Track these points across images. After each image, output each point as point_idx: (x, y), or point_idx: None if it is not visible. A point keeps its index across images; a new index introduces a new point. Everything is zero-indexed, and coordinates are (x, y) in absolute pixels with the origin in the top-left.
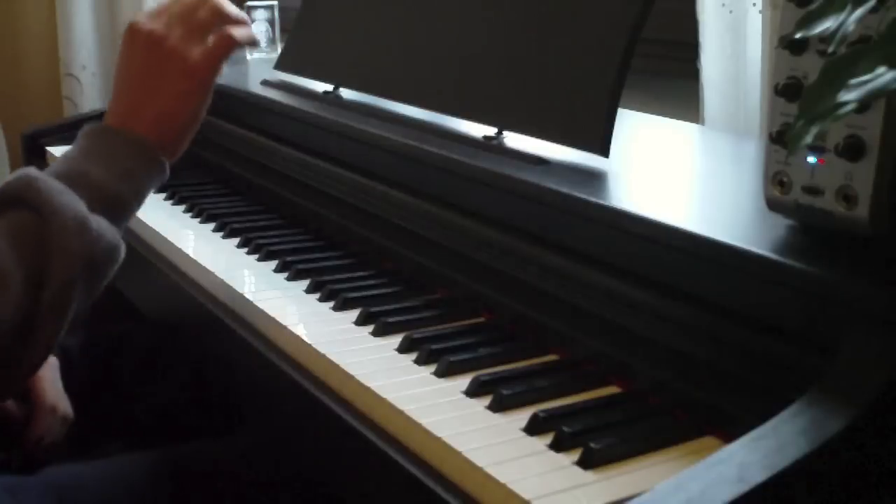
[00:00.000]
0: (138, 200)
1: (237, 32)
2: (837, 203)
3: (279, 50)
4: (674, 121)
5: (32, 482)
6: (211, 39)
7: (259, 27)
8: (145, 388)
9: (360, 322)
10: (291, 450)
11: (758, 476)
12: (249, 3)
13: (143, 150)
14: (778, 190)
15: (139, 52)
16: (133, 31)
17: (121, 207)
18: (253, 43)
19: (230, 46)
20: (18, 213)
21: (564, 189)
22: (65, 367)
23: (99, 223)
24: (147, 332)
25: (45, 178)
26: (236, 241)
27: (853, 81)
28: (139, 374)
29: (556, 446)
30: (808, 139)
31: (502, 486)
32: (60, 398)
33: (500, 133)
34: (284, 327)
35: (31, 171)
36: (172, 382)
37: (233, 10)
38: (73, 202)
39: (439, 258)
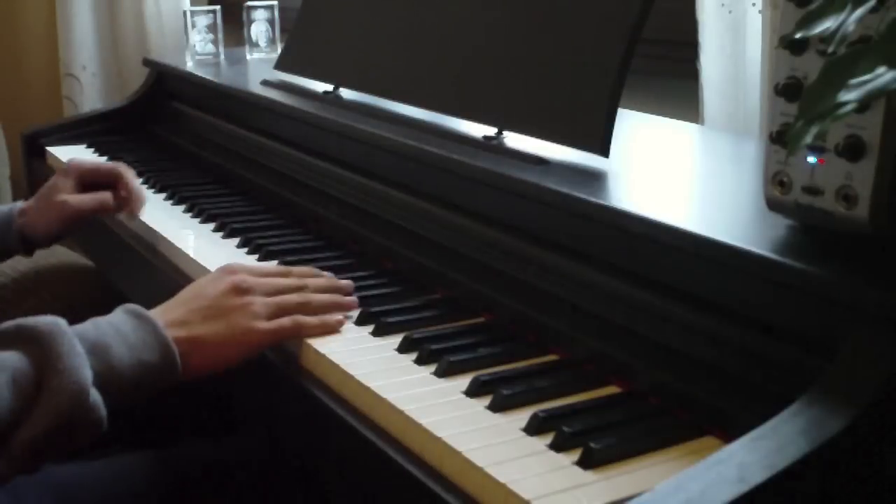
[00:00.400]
0: (135, 395)
1: (310, 323)
2: (837, 203)
3: (279, 50)
4: (674, 121)
5: (32, 482)
6: (284, 320)
7: (259, 27)
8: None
9: (361, 322)
10: (290, 450)
11: (758, 476)
12: (249, 3)
13: (167, 354)
14: (778, 190)
15: (220, 286)
16: (228, 270)
17: (118, 392)
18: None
19: (295, 336)
20: (30, 353)
21: (564, 189)
22: None
23: (95, 398)
24: None
25: (68, 334)
26: (236, 241)
27: (853, 81)
28: None
29: (556, 446)
30: (808, 139)
31: (502, 486)
32: None
33: (500, 133)
34: None
35: (61, 322)
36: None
37: (319, 301)
38: (82, 368)
39: (439, 258)
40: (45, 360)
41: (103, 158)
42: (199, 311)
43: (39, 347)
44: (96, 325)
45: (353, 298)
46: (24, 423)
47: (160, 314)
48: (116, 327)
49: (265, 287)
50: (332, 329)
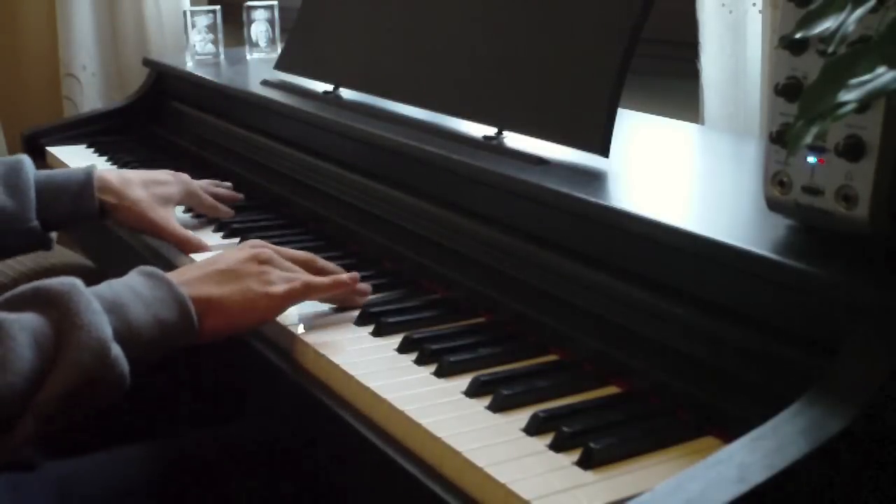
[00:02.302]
0: (154, 352)
1: (321, 283)
2: (837, 203)
3: (279, 50)
4: (674, 121)
5: (33, 477)
6: (294, 283)
7: (259, 27)
8: (144, 382)
9: (361, 322)
10: (291, 449)
11: (758, 476)
12: (249, 3)
13: (184, 311)
14: (778, 190)
15: (239, 254)
16: (251, 244)
17: (137, 350)
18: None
19: (305, 298)
20: (47, 314)
21: (564, 189)
22: None
23: (117, 353)
24: None
25: (85, 294)
26: (236, 241)
27: (853, 81)
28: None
29: (556, 446)
30: (808, 139)
31: (502, 486)
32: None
33: (500, 133)
34: (284, 327)
35: (77, 283)
36: (171, 378)
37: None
38: (102, 324)
39: (439, 258)
40: (64, 319)
41: (103, 159)
42: (215, 274)
43: (57, 308)
44: (111, 286)
45: (367, 287)
46: (47, 382)
47: (175, 275)
48: (131, 287)
49: (284, 263)
50: (342, 294)
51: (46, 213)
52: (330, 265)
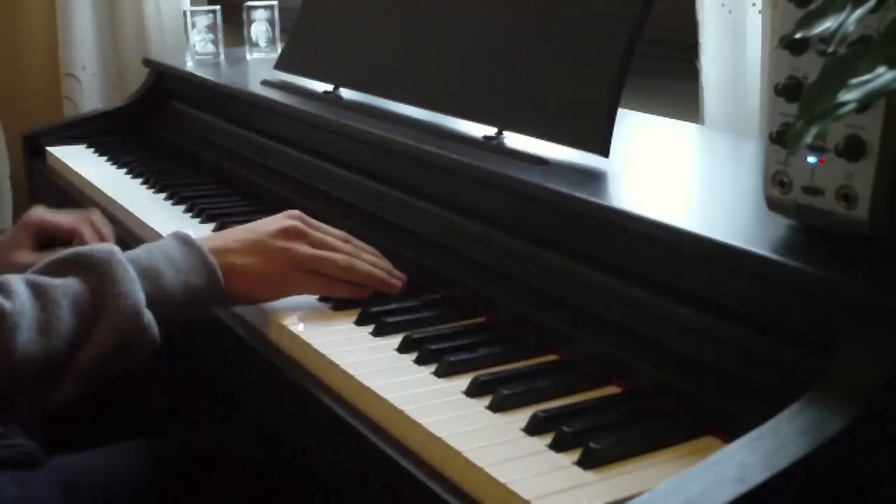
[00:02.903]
0: (184, 314)
1: (339, 285)
2: (837, 203)
3: (279, 50)
4: (674, 121)
5: (38, 472)
6: (317, 277)
7: (259, 27)
8: (146, 379)
9: (361, 322)
10: (289, 448)
11: (758, 476)
12: (249, 3)
13: (212, 278)
14: (778, 190)
15: (273, 226)
16: (289, 214)
17: (168, 312)
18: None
19: (323, 290)
20: (87, 279)
21: (564, 189)
22: None
23: (149, 318)
24: None
25: (123, 261)
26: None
27: (853, 81)
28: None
29: (556, 446)
30: (808, 139)
31: (502, 487)
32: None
33: (500, 133)
34: (283, 327)
35: (116, 251)
36: (173, 376)
37: (364, 270)
38: (137, 292)
39: (439, 258)
40: (102, 285)
41: (103, 159)
42: (244, 243)
43: (96, 274)
44: (148, 251)
45: (400, 278)
46: (86, 344)
47: (207, 241)
48: (166, 252)
49: (315, 239)
50: (359, 293)
51: None
52: (365, 245)
